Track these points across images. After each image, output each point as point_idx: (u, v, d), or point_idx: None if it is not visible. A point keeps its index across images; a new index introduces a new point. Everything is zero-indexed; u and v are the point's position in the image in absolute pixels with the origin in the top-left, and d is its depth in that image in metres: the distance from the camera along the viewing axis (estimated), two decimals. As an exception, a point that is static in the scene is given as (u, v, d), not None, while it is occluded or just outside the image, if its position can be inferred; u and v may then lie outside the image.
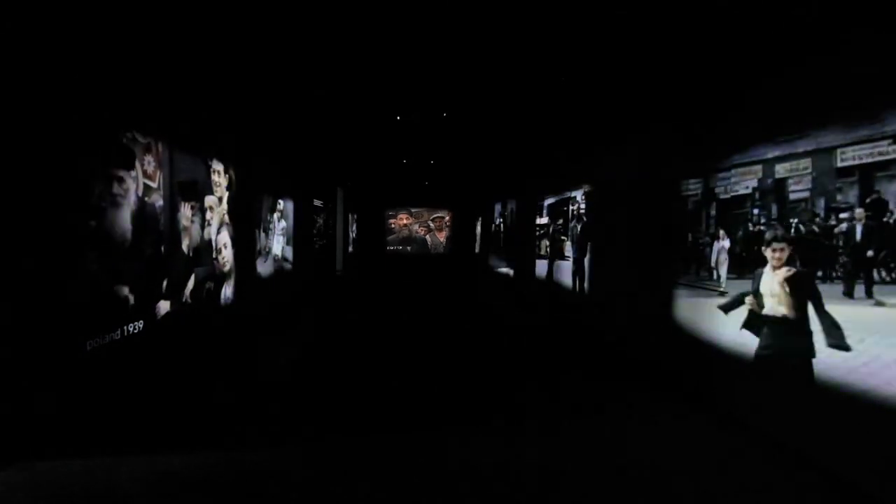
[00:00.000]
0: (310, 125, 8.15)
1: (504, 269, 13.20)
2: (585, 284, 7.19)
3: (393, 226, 19.90)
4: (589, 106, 6.37)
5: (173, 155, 4.54)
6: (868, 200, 2.89)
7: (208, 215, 5.21)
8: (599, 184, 6.93)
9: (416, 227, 19.97)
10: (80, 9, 3.38)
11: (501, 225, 14.36)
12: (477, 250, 17.88)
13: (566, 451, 3.22)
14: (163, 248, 4.34)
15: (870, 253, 2.81)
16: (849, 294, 2.91)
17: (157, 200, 4.27)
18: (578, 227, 7.55)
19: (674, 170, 4.79)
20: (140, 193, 4.01)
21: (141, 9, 3.70)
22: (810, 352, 3.10)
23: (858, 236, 2.92)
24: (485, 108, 7.07)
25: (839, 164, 2.93)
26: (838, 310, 2.95)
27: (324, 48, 4.87)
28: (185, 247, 4.72)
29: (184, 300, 4.75)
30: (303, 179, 9.81)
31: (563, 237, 8.39)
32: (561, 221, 8.54)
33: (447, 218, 20.01)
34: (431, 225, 20.02)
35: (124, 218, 3.80)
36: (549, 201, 9.26)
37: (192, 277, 4.93)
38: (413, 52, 4.98)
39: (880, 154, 2.66)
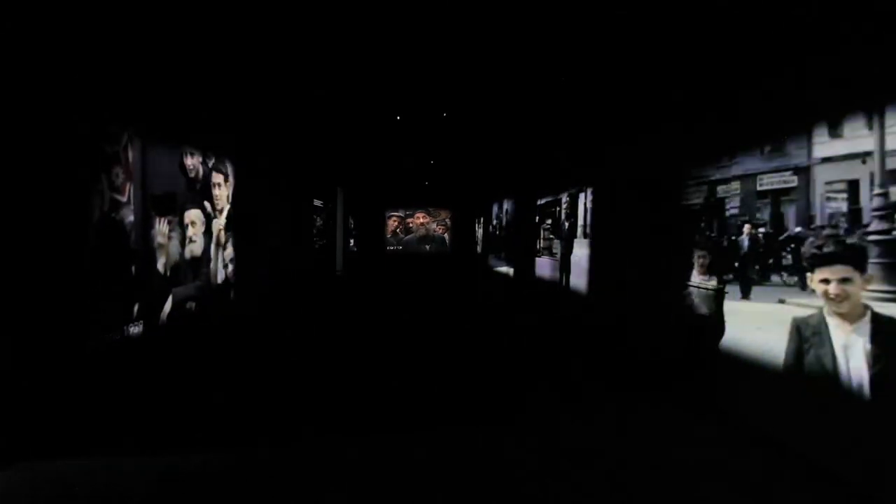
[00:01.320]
0: (310, 125, 8.32)
1: (504, 268, 13.68)
2: (571, 279, 7.80)
3: (411, 225, 20.78)
4: (583, 109, 6.64)
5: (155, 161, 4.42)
6: (748, 218, 3.62)
7: (189, 231, 5.11)
8: (577, 194, 7.64)
9: (433, 225, 20.79)
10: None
11: (497, 227, 15.04)
12: (479, 250, 18.44)
13: (563, 450, 3.28)
14: (134, 268, 4.10)
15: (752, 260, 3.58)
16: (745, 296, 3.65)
17: (129, 216, 4.00)
18: (566, 225, 8.09)
19: (644, 184, 5.36)
20: (107, 208, 3.72)
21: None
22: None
23: (745, 248, 3.61)
24: (485, 108, 7.19)
25: (758, 188, 3.47)
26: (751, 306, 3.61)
27: (324, 48, 4.94)
28: (161, 265, 4.56)
29: (161, 320, 4.62)
30: (302, 180, 10.14)
31: (551, 236, 8.98)
32: (550, 221, 9.13)
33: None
34: (449, 223, 20.80)
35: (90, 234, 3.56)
36: (540, 202, 9.86)
37: (171, 298, 4.78)
38: (413, 52, 5.07)
39: (784, 182, 3.22)
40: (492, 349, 6.22)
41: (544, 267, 9.50)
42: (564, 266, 8.11)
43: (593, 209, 6.97)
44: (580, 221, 7.54)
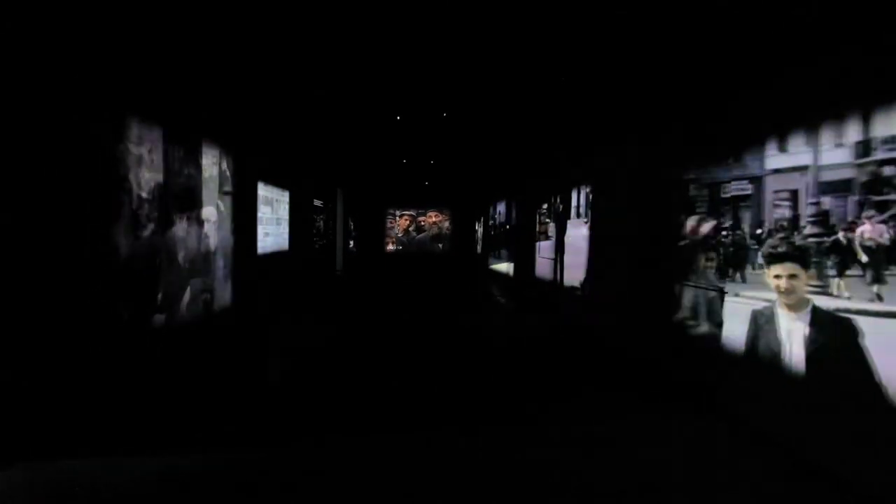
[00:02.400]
0: (310, 125, 8.55)
1: (503, 266, 14.26)
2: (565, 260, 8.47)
3: (423, 224, 21.35)
4: (580, 108, 6.93)
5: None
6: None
7: (205, 227, 5.60)
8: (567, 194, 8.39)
9: (446, 224, 21.38)
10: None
11: (494, 227, 15.72)
12: (479, 250, 19.00)
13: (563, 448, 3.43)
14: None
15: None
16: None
17: (154, 212, 4.41)
18: (560, 208, 8.86)
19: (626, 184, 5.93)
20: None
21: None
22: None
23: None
24: (485, 109, 7.33)
25: (723, 195, 3.99)
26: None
27: (324, 48, 5.07)
28: (181, 258, 5.01)
29: (181, 310, 5.09)
30: (303, 180, 10.49)
31: (548, 220, 9.83)
32: (546, 206, 10.02)
33: None
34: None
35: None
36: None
37: (189, 289, 5.20)
38: (413, 52, 5.22)
39: (742, 189, 3.74)
40: (492, 344, 6.63)
41: (543, 251, 10.25)
42: (558, 250, 8.80)
43: (589, 201, 7.58)
44: (573, 203, 8.21)
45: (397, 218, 20.97)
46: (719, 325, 3.95)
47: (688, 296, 4.42)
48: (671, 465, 3.12)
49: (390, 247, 20.79)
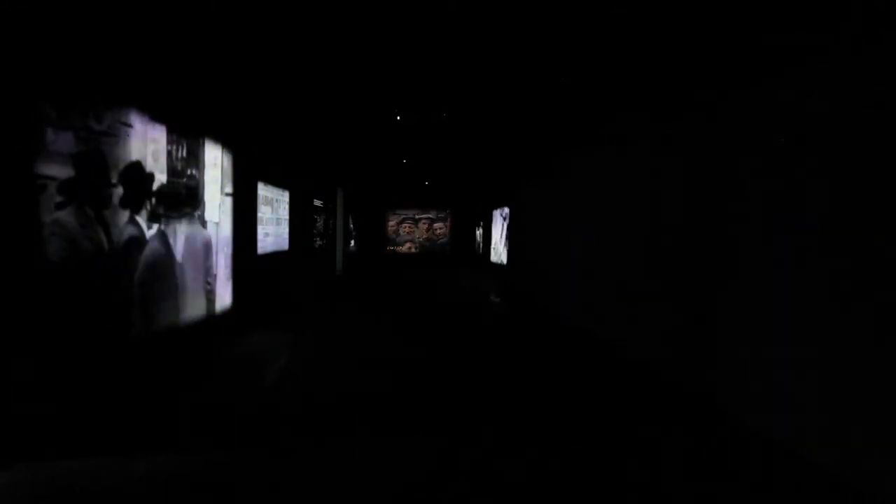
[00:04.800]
0: (310, 125, 8.91)
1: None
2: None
3: (439, 230, 21.97)
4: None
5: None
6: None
7: (210, 226, 5.90)
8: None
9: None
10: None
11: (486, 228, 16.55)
12: (479, 251, 19.48)
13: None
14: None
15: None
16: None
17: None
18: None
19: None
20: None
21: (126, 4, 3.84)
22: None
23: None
24: (485, 108, 7.56)
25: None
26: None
27: (325, 48, 5.22)
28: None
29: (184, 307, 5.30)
30: (303, 180, 10.69)
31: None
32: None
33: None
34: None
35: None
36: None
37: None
38: (413, 53, 5.40)
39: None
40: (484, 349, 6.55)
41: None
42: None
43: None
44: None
45: (419, 223, 21.49)
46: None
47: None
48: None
49: (414, 249, 21.19)
